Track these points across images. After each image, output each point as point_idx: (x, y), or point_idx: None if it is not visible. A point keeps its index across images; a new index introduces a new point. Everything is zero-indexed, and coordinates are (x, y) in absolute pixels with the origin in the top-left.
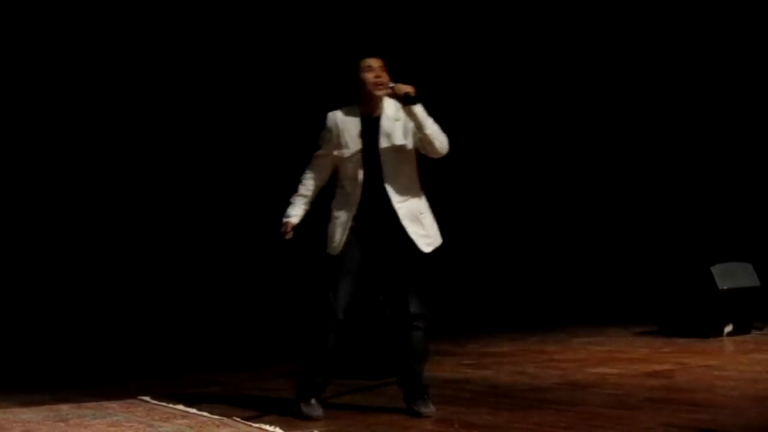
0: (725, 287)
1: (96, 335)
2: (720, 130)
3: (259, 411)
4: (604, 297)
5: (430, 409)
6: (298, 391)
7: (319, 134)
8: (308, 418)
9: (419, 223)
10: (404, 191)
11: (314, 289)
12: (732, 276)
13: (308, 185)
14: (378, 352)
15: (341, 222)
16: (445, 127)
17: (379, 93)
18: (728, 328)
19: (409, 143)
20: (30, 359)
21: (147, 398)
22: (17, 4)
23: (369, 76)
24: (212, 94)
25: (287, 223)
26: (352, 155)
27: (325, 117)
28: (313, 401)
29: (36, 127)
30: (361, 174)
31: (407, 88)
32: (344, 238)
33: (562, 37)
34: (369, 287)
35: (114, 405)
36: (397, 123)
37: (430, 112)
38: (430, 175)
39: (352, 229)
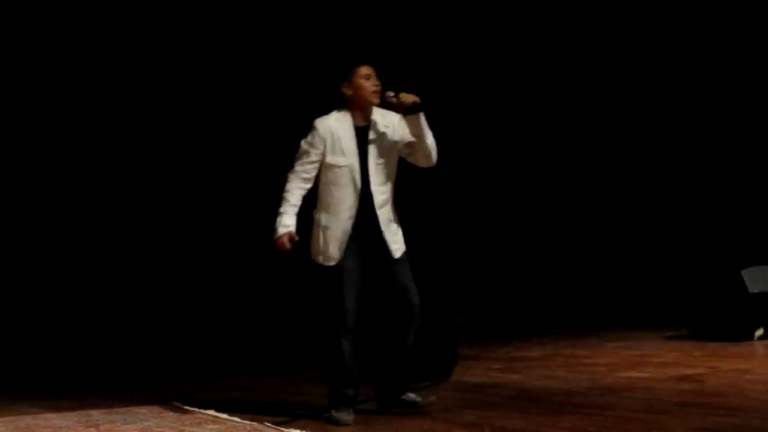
0: (756, 291)
1: (126, 341)
2: (750, 133)
3: (291, 416)
4: (634, 301)
5: (430, 398)
6: (330, 400)
7: (301, 141)
8: (338, 424)
9: (390, 230)
10: (385, 198)
11: (318, 301)
12: (763, 279)
13: (297, 194)
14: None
15: (334, 231)
16: (469, 133)
17: (376, 101)
18: (759, 332)
19: (396, 151)
20: (60, 365)
21: (177, 403)
22: (17, 4)
23: (367, 84)
24: (214, 95)
25: (289, 233)
26: (348, 163)
27: (308, 123)
28: (343, 408)
29: (36, 128)
30: (358, 181)
31: (413, 98)
32: (343, 247)
33: (576, 41)
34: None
35: (144, 410)
36: (387, 130)
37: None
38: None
39: (350, 237)
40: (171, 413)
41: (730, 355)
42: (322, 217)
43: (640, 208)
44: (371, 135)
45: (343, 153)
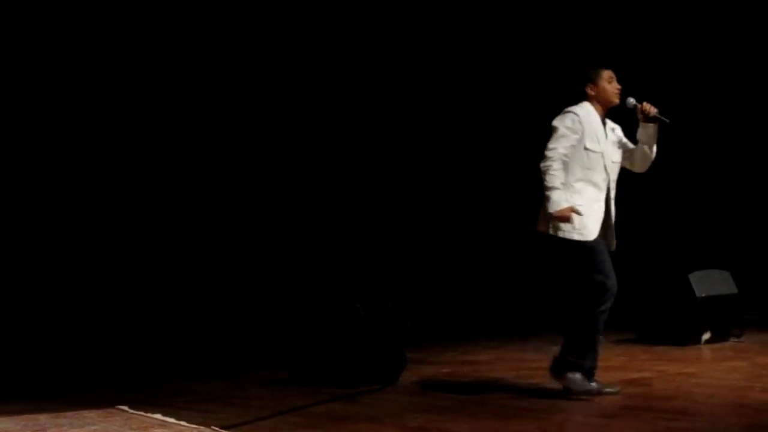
0: (703, 295)
1: (73, 344)
2: (697, 140)
3: (238, 419)
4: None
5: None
6: (566, 367)
7: (556, 125)
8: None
9: (613, 224)
10: (614, 195)
11: (575, 276)
12: (710, 283)
13: (562, 174)
14: (356, 360)
15: (589, 209)
16: (415, 140)
17: (617, 102)
18: (706, 336)
19: (619, 155)
20: (7, 369)
21: (125, 407)
22: (17, 4)
23: (611, 87)
24: (212, 94)
25: (572, 207)
26: (601, 150)
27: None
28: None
29: (36, 127)
30: (608, 167)
31: (656, 109)
32: (599, 225)
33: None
34: (348, 295)
35: (92, 414)
36: (615, 133)
37: None
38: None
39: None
40: (118, 417)
41: (678, 359)
42: (576, 198)
43: None
44: (608, 133)
45: (597, 140)
